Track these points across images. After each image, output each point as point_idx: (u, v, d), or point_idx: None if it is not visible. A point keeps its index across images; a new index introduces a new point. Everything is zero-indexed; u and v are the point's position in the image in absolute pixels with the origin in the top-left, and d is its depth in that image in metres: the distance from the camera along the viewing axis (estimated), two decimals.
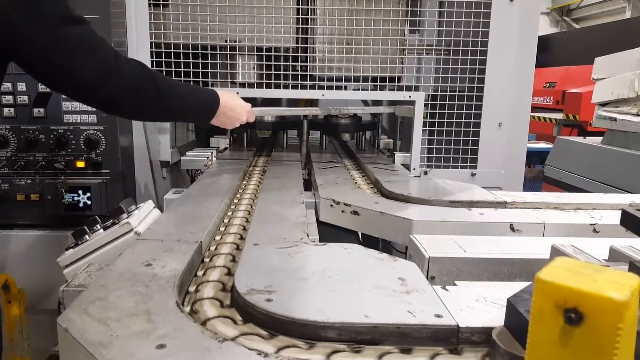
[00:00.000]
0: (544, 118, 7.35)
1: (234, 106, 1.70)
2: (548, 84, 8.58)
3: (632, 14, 12.94)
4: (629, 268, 0.76)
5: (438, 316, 0.80)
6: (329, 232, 1.61)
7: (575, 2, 15.33)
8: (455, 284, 0.95)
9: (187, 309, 0.90)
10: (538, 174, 5.01)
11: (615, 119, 3.08)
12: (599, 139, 3.46)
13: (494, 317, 0.79)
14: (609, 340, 0.43)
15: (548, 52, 10.06)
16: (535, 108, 8.39)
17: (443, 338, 0.78)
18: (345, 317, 0.79)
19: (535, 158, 5.47)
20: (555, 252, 1.05)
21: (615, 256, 1.00)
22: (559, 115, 6.99)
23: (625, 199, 1.73)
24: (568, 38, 10.32)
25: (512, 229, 1.39)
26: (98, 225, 1.41)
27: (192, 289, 0.99)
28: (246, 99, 1.82)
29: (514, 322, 0.73)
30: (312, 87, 2.19)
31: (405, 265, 1.03)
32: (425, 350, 0.76)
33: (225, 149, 2.66)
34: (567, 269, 0.47)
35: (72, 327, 0.75)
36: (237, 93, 2.07)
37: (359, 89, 2.29)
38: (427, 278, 1.09)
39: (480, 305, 0.85)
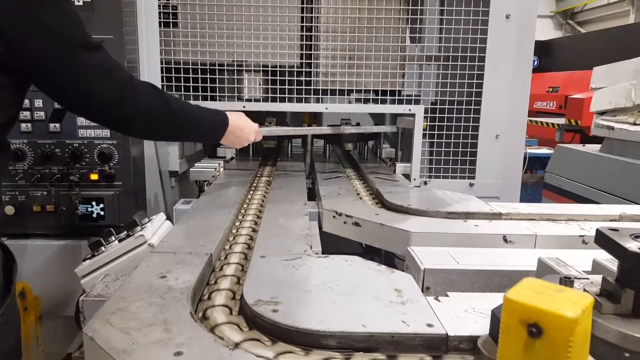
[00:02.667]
0: (547, 123, 7.39)
1: (242, 126, 1.77)
2: (551, 89, 8.64)
3: (636, 17, 12.98)
4: (602, 282, 0.84)
5: (429, 325, 0.88)
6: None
7: (579, 5, 15.39)
8: (447, 295, 1.03)
9: (200, 314, 0.98)
10: (539, 179, 5.06)
11: (612, 128, 3.14)
12: (598, 146, 3.52)
13: (480, 327, 0.87)
14: (563, 351, 0.50)
15: (551, 56, 10.14)
16: (538, 112, 8.46)
17: (434, 346, 0.85)
18: (345, 327, 0.86)
19: (537, 164, 5.52)
20: (542, 264, 1.12)
21: (597, 269, 1.07)
22: (562, 120, 7.04)
23: (617, 209, 1.80)
24: (571, 43, 10.37)
25: (505, 240, 1.46)
26: (113, 237, 1.49)
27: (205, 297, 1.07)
28: (252, 113, 1.90)
29: (497, 332, 0.81)
30: (316, 100, 2.28)
31: (402, 277, 1.10)
32: (417, 357, 0.84)
33: (232, 158, 2.74)
34: (532, 289, 0.55)
35: (98, 336, 0.83)
36: (244, 107, 2.16)
37: (361, 102, 2.37)
38: (422, 288, 1.17)
39: (469, 316, 0.92)
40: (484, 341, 0.82)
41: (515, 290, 0.55)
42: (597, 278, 0.91)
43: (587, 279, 0.94)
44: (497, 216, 1.66)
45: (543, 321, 0.51)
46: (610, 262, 1.04)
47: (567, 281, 0.85)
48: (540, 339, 0.52)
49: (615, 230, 0.83)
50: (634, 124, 2.99)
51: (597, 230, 0.84)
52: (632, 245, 0.77)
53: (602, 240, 0.82)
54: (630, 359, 0.71)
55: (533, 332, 0.52)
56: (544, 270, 1.10)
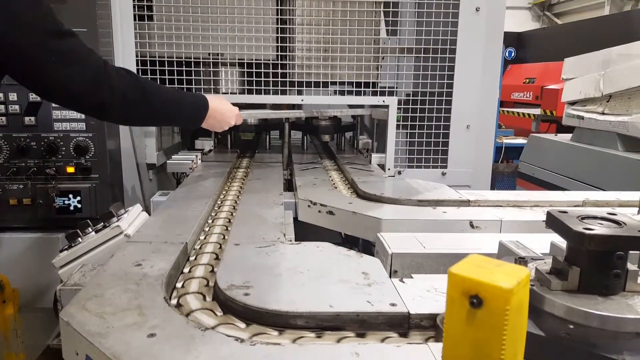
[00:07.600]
0: (523, 114, 7.51)
1: (223, 110, 1.77)
2: (528, 80, 8.76)
3: (611, 9, 13.21)
4: (552, 261, 0.89)
5: (393, 305, 0.93)
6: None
7: None
8: (412, 277, 1.08)
9: (174, 302, 1.01)
10: (515, 169, 5.16)
11: (582, 118, 3.23)
12: (570, 135, 3.61)
13: (440, 305, 0.92)
14: (501, 320, 0.55)
15: (528, 48, 10.27)
16: (515, 103, 8.58)
17: (396, 323, 0.90)
18: (312, 307, 0.91)
19: (513, 153, 5.62)
20: (502, 247, 1.18)
21: (554, 250, 1.13)
22: (538, 111, 7.16)
23: (581, 195, 1.87)
24: (547, 34, 10.51)
25: (472, 225, 1.52)
26: (90, 229, 1.51)
27: (179, 285, 1.11)
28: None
29: None
30: (292, 92, 2.31)
31: (369, 261, 1.15)
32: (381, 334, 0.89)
33: (210, 150, 2.76)
34: (474, 264, 0.60)
35: (73, 321, 0.86)
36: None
37: (336, 94, 2.41)
38: (390, 272, 1.21)
39: (431, 295, 0.97)
40: (442, 318, 0.87)
41: (458, 265, 0.59)
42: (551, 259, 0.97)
43: (542, 259, 1.00)
44: (465, 203, 1.72)
45: (482, 292, 0.56)
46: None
47: (521, 261, 0.91)
48: (480, 309, 0.56)
49: (565, 212, 0.88)
50: (603, 113, 3.08)
51: (548, 213, 0.89)
52: (578, 226, 0.82)
53: (552, 222, 0.87)
54: (573, 330, 0.76)
55: (474, 302, 0.56)
56: (504, 252, 1.16)
